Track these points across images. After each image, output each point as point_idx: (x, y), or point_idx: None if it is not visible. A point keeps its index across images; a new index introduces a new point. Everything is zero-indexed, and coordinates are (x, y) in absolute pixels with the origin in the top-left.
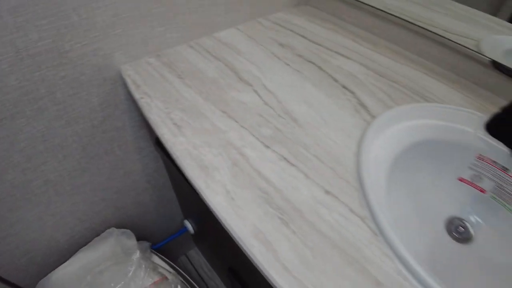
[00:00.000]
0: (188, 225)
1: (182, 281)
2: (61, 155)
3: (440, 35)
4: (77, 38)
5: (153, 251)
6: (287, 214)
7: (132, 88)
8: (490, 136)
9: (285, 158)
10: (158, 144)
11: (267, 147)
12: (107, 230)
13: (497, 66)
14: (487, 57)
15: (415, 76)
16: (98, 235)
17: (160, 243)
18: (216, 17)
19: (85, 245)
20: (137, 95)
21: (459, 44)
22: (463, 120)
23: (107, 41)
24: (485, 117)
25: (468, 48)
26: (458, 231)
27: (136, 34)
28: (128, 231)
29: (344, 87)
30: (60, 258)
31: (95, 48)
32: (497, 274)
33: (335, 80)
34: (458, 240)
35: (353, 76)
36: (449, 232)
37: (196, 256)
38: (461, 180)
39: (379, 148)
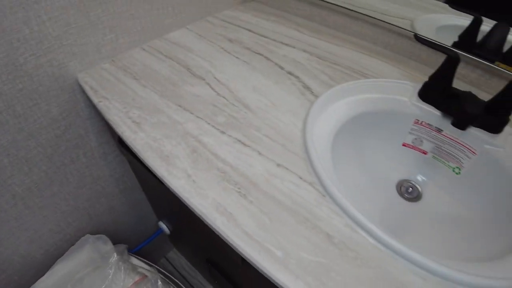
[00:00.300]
0: (163, 226)
1: (162, 277)
2: (26, 167)
3: (377, 18)
4: (31, 51)
5: (131, 254)
6: (244, 188)
7: (90, 93)
8: (423, 102)
9: (239, 141)
10: (121, 143)
11: (223, 132)
12: (82, 238)
13: (420, 40)
14: (411, 31)
15: (354, 57)
16: (73, 244)
17: (137, 247)
18: (166, 19)
19: (61, 255)
20: (95, 99)
21: (394, 25)
22: (398, 91)
23: (60, 51)
24: (418, 86)
25: (402, 28)
26: (408, 192)
27: (88, 42)
28: (104, 236)
29: (289, 73)
30: (37, 273)
31: (50, 59)
32: (445, 224)
33: (281, 68)
34: (409, 199)
35: (298, 62)
36: (401, 194)
37: (176, 257)
38: (404, 145)
39: (323, 123)
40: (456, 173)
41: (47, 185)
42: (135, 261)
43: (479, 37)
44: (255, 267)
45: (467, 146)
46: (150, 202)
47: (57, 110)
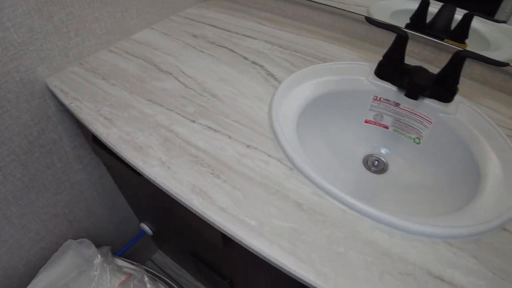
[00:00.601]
0: (145, 227)
1: (149, 274)
2: (1, 176)
3: (335, 7)
4: None
5: (115, 256)
6: (217, 169)
7: (61, 96)
8: (379, 79)
9: (210, 127)
10: (96, 141)
11: (193, 121)
12: (64, 244)
13: (371, 21)
14: (361, 14)
15: (314, 44)
16: (56, 251)
17: (121, 250)
18: (130, 20)
19: (44, 264)
20: (66, 101)
21: (351, 12)
22: (356, 71)
23: (27, 57)
24: (374, 66)
25: (358, 14)
26: (375, 165)
27: (54, 46)
28: (86, 240)
29: (254, 62)
30: (21, 284)
31: (16, 65)
32: (410, 190)
33: (246, 58)
34: (376, 172)
35: (261, 52)
36: (368, 168)
37: (162, 258)
38: (367, 122)
39: (288, 105)
40: (417, 143)
41: (24, 193)
42: (120, 262)
43: (430, 18)
44: (233, 239)
45: (423, 116)
46: (130, 204)
47: (28, 116)
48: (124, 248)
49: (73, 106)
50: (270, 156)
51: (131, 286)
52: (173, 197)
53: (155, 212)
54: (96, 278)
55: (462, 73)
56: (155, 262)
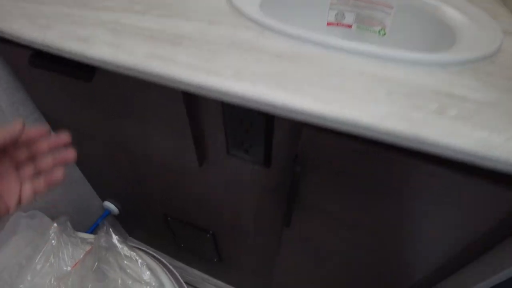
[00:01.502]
0: (110, 206)
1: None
2: None
3: None
4: None
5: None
6: (178, 40)
7: None
8: None
9: (163, 15)
10: (32, 62)
11: (144, 14)
12: (11, 219)
13: None
14: None
15: None
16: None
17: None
18: None
19: None
20: None
21: None
22: None
23: None
24: None
25: None
26: None
27: None
28: (37, 211)
29: None
30: None
31: None
32: None
33: None
34: None
35: None
36: None
37: (133, 245)
38: (329, 24)
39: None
40: (383, 35)
41: None
42: (82, 235)
43: None
44: (209, 92)
45: (383, 3)
46: (89, 180)
47: None
48: (87, 231)
49: (2, 25)
50: (236, 26)
51: (97, 246)
52: (126, 71)
53: (117, 182)
54: (55, 251)
55: None
56: None
